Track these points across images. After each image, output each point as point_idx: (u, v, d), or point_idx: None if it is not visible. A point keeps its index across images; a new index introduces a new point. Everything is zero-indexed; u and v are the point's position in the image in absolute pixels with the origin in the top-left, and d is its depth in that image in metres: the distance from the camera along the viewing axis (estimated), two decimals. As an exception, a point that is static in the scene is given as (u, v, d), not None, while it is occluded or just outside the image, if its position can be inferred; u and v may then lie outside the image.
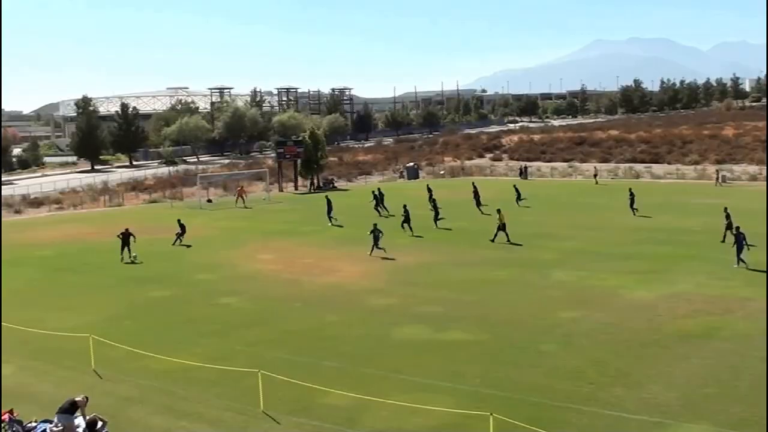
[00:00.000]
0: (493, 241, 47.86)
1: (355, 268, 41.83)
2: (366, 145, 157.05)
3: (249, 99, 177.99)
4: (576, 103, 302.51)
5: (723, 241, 44.88)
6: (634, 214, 57.76)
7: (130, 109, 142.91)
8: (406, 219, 53.44)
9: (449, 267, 41.28)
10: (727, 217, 46.22)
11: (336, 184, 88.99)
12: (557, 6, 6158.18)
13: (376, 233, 45.70)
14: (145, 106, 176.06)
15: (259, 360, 25.66)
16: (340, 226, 56.75)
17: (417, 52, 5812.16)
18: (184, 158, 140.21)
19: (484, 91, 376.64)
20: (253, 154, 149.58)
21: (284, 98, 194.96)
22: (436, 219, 55.64)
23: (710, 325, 29.22)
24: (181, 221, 52.29)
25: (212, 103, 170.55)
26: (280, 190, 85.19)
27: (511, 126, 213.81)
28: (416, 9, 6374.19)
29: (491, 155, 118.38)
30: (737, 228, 40.25)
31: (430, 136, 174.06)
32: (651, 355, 25.88)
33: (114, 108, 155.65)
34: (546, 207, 64.18)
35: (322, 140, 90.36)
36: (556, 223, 54.70)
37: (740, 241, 39.28)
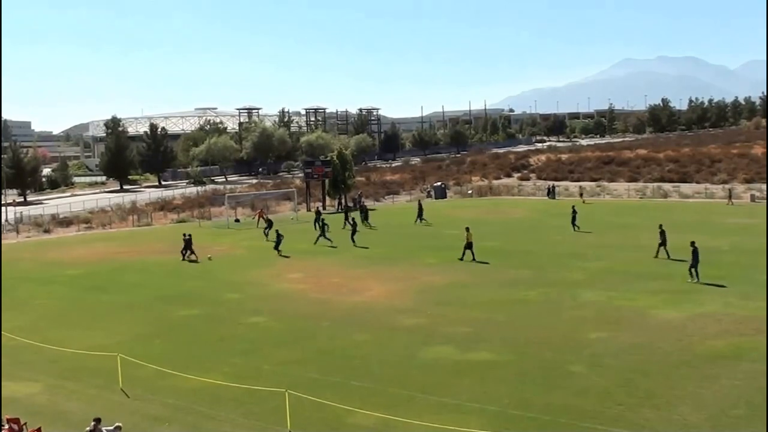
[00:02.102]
0: (461, 259, 48.82)
1: (383, 288, 41.81)
2: (393, 165, 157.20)
3: (277, 119, 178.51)
4: (604, 122, 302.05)
5: (656, 257, 47.18)
6: (574, 230, 60.49)
7: (159, 130, 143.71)
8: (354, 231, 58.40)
9: (477, 287, 41.17)
10: (662, 234, 47.94)
11: (364, 203, 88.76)
12: (586, 25, 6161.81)
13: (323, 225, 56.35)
14: (173, 127, 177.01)
15: (287, 379, 25.69)
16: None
17: (445, 71, 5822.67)
18: (212, 178, 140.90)
19: (511, 110, 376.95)
20: (280, 174, 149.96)
21: (312, 118, 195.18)
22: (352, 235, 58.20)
23: (740, 345, 28.97)
24: (186, 235, 55.00)
25: (240, 124, 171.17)
26: (308, 209, 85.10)
27: (539, 145, 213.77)
28: (444, 29, 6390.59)
29: (519, 175, 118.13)
30: (692, 243, 41.34)
31: (458, 155, 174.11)
32: (680, 376, 25.69)
33: (143, 128, 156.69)
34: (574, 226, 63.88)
35: (350, 160, 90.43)
36: (584, 243, 54.46)
37: (695, 256, 40.52)
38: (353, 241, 56.80)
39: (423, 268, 47.17)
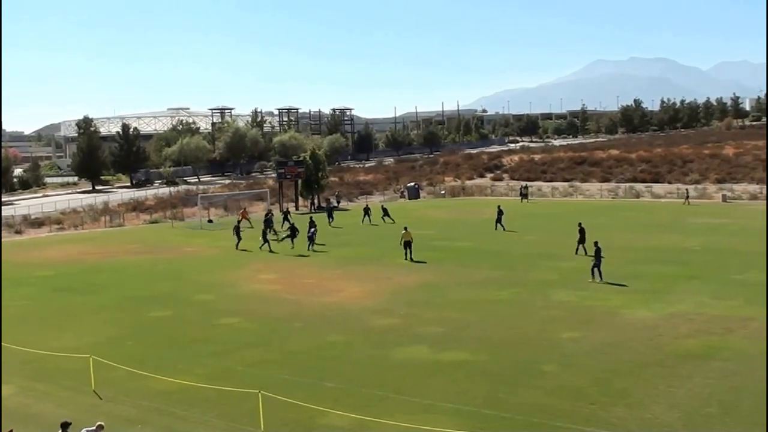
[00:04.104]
0: (406, 259, 49.48)
1: (356, 288, 41.82)
2: (367, 165, 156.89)
3: (250, 119, 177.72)
4: (576, 122, 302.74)
5: (576, 254, 48.95)
6: (497, 228, 62.12)
7: (131, 130, 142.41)
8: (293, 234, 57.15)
9: (451, 287, 41.26)
10: (581, 231, 49.89)
11: (338, 203, 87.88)
12: (559, 26, 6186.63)
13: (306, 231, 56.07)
14: (146, 127, 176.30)
15: (260, 380, 25.64)
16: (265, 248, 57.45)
17: (418, 72, 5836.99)
18: (185, 178, 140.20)
19: (484, 111, 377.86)
20: (253, 174, 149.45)
21: (285, 119, 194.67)
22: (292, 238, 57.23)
23: (711, 344, 29.19)
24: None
25: (213, 124, 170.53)
26: (281, 210, 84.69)
27: (512, 146, 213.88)
28: (417, 29, 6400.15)
29: (492, 175, 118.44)
30: (596, 243, 42.63)
31: (431, 155, 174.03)
32: (652, 375, 25.84)
33: (115, 128, 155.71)
34: (547, 227, 64.17)
35: (323, 160, 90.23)
36: (557, 243, 54.55)
37: (598, 255, 41.58)
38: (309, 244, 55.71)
39: (396, 268, 47.20)
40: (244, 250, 55.80)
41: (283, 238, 57.31)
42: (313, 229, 56.42)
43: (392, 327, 33.46)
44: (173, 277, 47.25)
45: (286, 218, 67.06)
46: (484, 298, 38.37)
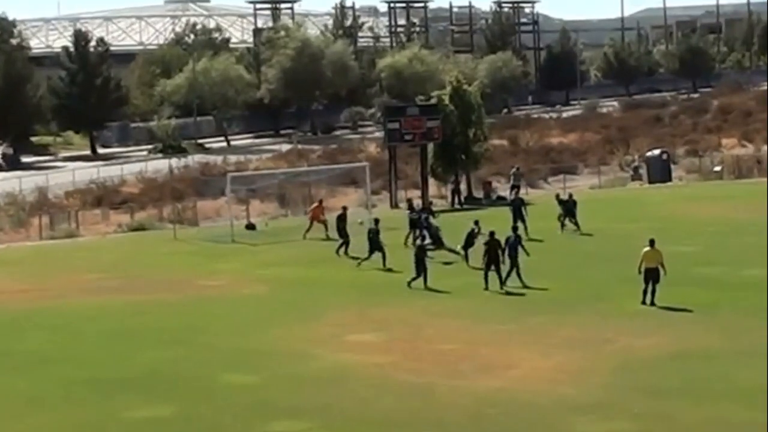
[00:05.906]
0: (645, 302, 49.38)
1: (544, 361, 41.66)
2: (566, 114, 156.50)
3: (330, 23, 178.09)
4: None
5: None
6: None
7: (93, 43, 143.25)
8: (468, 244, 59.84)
9: (729, 359, 40.70)
10: None
11: (518, 191, 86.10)
12: None
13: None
14: (122, 38, 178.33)
15: None
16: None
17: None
18: (200, 140, 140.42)
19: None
20: (337, 132, 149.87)
21: (401, 22, 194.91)
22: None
23: None
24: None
25: (256, 31, 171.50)
26: (393, 205, 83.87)
27: None
28: None
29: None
30: None
31: (694, 95, 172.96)
32: None
33: (61, 41, 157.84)
34: None
35: (478, 105, 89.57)
36: None
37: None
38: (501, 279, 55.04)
39: (623, 320, 47.02)
40: (391, 270, 58.51)
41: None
42: (515, 239, 55.79)
43: (618, 440, 33.34)
44: (177, 340, 47.44)
45: (429, 217, 66.84)
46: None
